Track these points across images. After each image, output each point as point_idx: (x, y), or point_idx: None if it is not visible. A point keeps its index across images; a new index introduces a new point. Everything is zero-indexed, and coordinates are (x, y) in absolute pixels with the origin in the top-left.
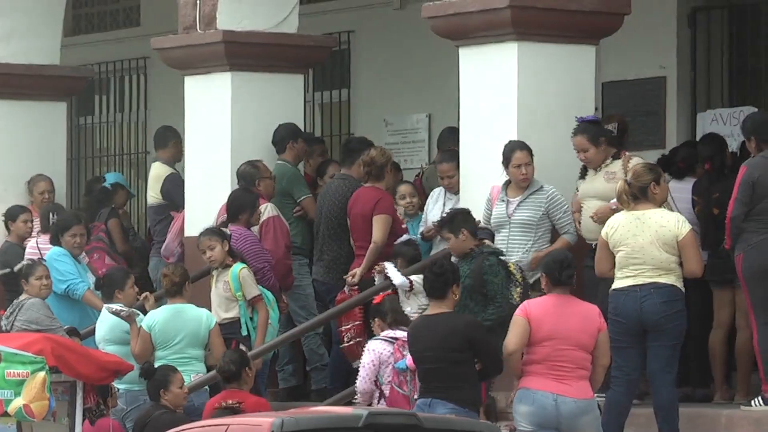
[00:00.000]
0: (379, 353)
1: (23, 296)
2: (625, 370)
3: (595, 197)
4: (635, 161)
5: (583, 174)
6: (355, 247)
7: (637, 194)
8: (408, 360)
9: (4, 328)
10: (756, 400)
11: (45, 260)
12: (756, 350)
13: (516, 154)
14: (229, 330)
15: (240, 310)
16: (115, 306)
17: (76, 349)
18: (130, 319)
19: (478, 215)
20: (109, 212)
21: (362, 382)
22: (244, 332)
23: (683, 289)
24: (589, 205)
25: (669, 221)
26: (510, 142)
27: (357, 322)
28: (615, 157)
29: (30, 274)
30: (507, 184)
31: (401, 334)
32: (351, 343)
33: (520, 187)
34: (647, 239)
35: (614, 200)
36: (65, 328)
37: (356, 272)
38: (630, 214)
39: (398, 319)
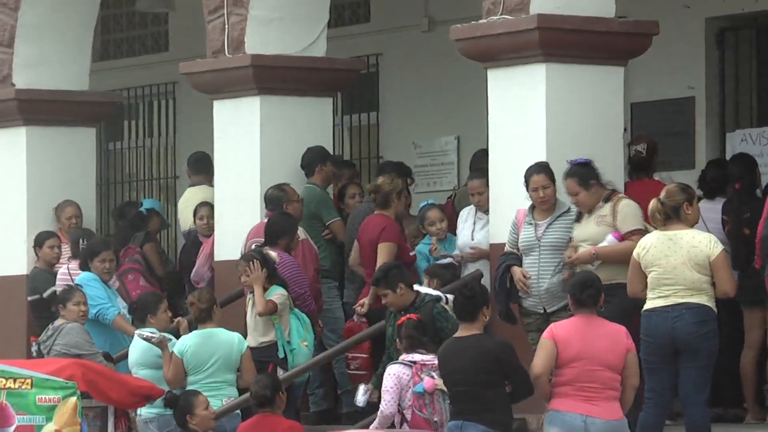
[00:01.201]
0: (399, 377)
1: (60, 321)
2: (657, 390)
3: (588, 241)
4: (625, 203)
5: (578, 217)
6: (365, 274)
7: (669, 214)
8: (425, 383)
9: (37, 353)
10: None
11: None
12: None
13: (533, 177)
14: (266, 353)
15: (276, 333)
16: (147, 332)
17: (107, 375)
18: (161, 344)
19: (506, 235)
20: (144, 236)
21: (387, 407)
22: (281, 355)
23: (715, 310)
24: (581, 251)
25: (701, 242)
26: (531, 165)
27: (364, 355)
28: (606, 200)
29: (67, 300)
30: (533, 207)
31: (419, 357)
32: (354, 371)
33: (544, 210)
34: (679, 259)
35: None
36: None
37: (364, 302)
38: (662, 235)
39: (413, 344)
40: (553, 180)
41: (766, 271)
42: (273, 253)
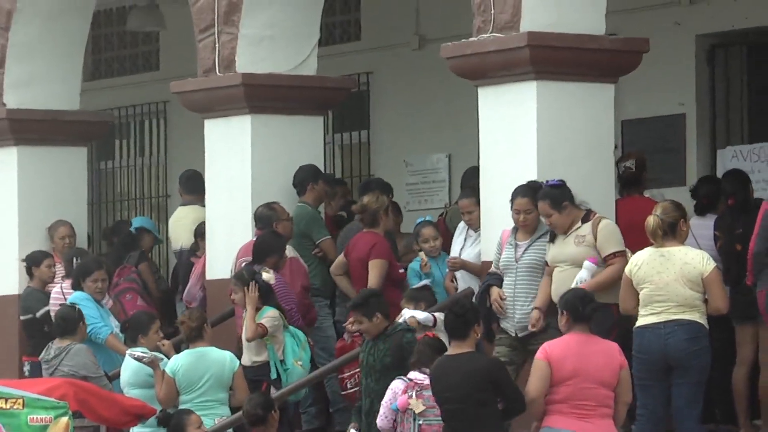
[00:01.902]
0: (394, 392)
1: (66, 342)
2: (650, 407)
3: (566, 262)
4: (605, 223)
5: (552, 238)
6: (355, 292)
7: (666, 230)
8: (398, 401)
9: (30, 373)
10: None
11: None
12: None
13: (517, 199)
14: (259, 372)
15: (269, 353)
16: (138, 351)
17: (99, 394)
18: (153, 364)
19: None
20: (139, 255)
21: (381, 420)
22: (274, 375)
23: (707, 326)
24: (560, 271)
25: (694, 258)
26: (519, 186)
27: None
28: (585, 220)
29: (82, 320)
30: (516, 228)
31: (415, 375)
32: (352, 390)
33: (525, 231)
34: (672, 276)
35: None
36: None
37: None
38: (654, 251)
39: (422, 360)
40: (536, 204)
41: (758, 287)
42: (267, 274)
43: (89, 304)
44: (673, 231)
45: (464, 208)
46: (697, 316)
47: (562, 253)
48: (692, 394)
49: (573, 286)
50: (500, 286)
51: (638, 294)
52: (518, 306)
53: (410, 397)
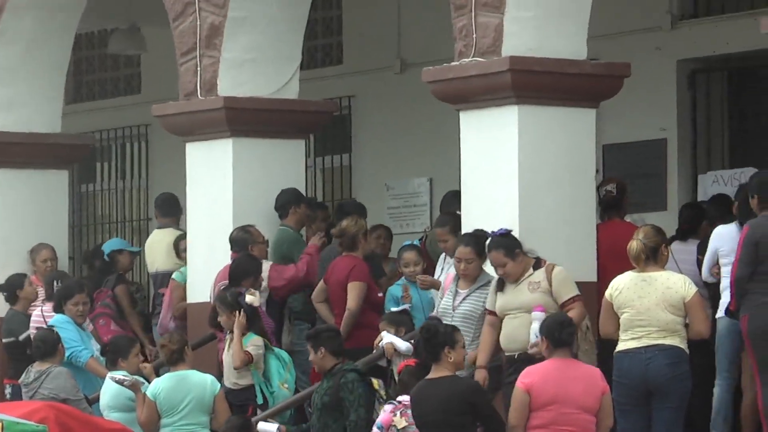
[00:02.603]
0: (384, 412)
1: (46, 365)
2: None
3: (521, 309)
4: (558, 270)
5: (501, 286)
6: (335, 315)
7: (648, 255)
8: (382, 419)
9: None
10: None
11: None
12: (760, 412)
13: (460, 248)
14: (243, 396)
15: (254, 378)
16: (119, 375)
17: (80, 417)
18: (134, 387)
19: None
20: (116, 278)
21: None
22: (260, 400)
23: (688, 351)
24: (513, 317)
25: (676, 283)
26: (462, 234)
27: None
28: (536, 267)
29: (60, 342)
30: (458, 275)
31: (404, 398)
32: None
33: (467, 280)
34: (653, 301)
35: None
36: None
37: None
38: (636, 276)
39: (406, 388)
40: (479, 253)
41: (741, 312)
42: (251, 296)
43: (70, 327)
44: (654, 255)
45: (439, 237)
46: (678, 341)
47: (514, 301)
48: (673, 419)
49: (531, 340)
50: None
51: (618, 318)
52: None
53: (395, 415)
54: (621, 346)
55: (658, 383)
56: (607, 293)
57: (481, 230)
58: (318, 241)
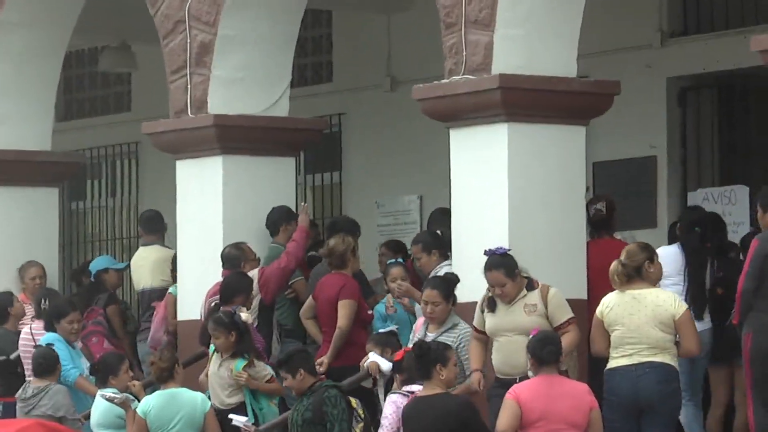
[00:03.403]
0: (397, 406)
1: (45, 382)
2: None
3: (515, 331)
4: (554, 292)
5: (492, 307)
6: (323, 333)
7: (631, 273)
8: (390, 411)
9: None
10: None
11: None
12: (752, 429)
13: (426, 291)
14: (236, 413)
15: (246, 397)
16: (109, 392)
17: None
18: (124, 405)
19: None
20: (107, 297)
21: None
22: (251, 419)
23: (678, 368)
24: (508, 340)
25: (666, 300)
26: (430, 278)
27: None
28: (528, 288)
29: (58, 360)
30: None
31: (416, 388)
32: None
33: (434, 323)
34: (643, 318)
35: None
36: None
37: (323, 360)
38: (626, 294)
39: (412, 377)
40: (446, 297)
41: (744, 329)
42: (245, 314)
43: (61, 346)
44: (638, 274)
45: (414, 254)
46: (669, 359)
47: (509, 322)
48: None
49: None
50: None
51: (609, 336)
52: None
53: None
54: (612, 364)
55: (648, 401)
56: (598, 311)
57: (453, 274)
58: (306, 222)
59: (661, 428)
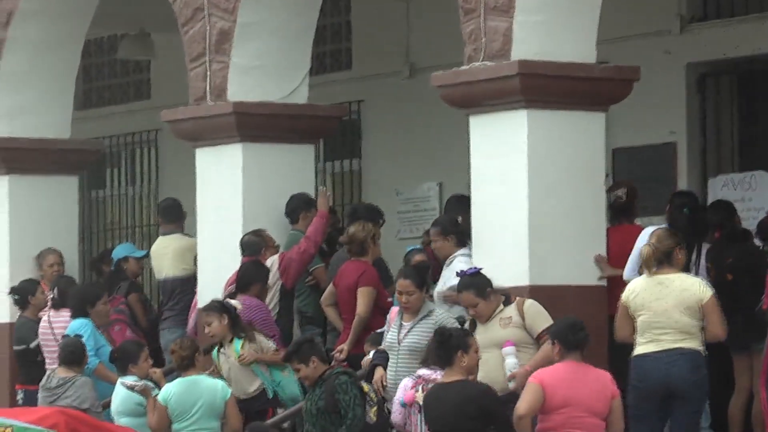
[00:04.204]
0: (405, 388)
1: (71, 373)
2: None
3: (494, 346)
4: (530, 303)
5: (473, 326)
6: (344, 320)
7: (662, 258)
8: (405, 396)
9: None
10: None
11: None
12: (765, 413)
13: (400, 281)
14: (257, 402)
15: (260, 376)
16: (130, 380)
17: (91, 423)
18: (145, 393)
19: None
20: (128, 286)
21: (393, 416)
22: (271, 394)
23: (706, 354)
24: (489, 356)
25: (692, 285)
26: (402, 268)
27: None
28: (506, 303)
29: (85, 351)
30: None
31: (424, 372)
32: None
33: (409, 313)
34: (670, 303)
35: (508, 359)
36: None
37: (343, 348)
38: (651, 279)
39: (431, 358)
40: (419, 286)
41: None
42: (233, 302)
43: (88, 331)
44: (668, 259)
45: (432, 237)
46: (697, 344)
47: (488, 339)
48: (691, 424)
49: (507, 374)
50: (386, 366)
51: (633, 322)
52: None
53: (416, 391)
54: (639, 350)
55: (679, 388)
56: (623, 297)
57: (424, 261)
58: (325, 206)
59: (690, 415)
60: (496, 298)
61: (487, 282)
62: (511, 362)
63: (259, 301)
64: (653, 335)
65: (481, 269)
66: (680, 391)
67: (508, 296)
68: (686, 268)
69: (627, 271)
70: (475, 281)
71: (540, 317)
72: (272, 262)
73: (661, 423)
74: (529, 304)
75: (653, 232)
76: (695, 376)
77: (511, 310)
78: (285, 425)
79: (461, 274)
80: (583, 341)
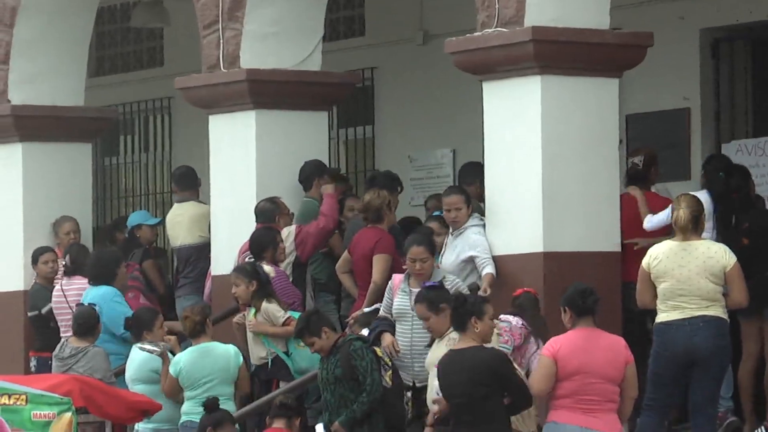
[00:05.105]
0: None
1: (84, 343)
2: (661, 401)
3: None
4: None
5: (431, 341)
6: (359, 288)
7: (690, 224)
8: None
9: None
10: (760, 429)
11: (96, 305)
12: None
13: (413, 248)
14: (266, 371)
15: (266, 344)
16: (148, 345)
17: (105, 390)
18: (164, 356)
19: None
20: (143, 252)
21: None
22: (285, 358)
23: (728, 321)
24: (433, 378)
25: (717, 252)
26: (412, 235)
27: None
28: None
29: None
30: (409, 274)
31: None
32: None
33: (420, 279)
34: (694, 270)
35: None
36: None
37: (357, 315)
38: (675, 245)
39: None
40: (432, 252)
41: None
42: (268, 267)
43: (119, 300)
44: (695, 224)
45: (455, 204)
46: (720, 311)
47: (435, 358)
48: (712, 390)
49: (431, 397)
50: (392, 332)
51: (655, 288)
52: (416, 355)
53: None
54: (662, 317)
55: (702, 356)
56: (644, 262)
57: (428, 227)
58: (331, 190)
59: (711, 381)
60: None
61: (443, 297)
62: (437, 385)
63: (277, 268)
64: (676, 303)
65: (438, 283)
66: (703, 358)
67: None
68: (732, 230)
69: (648, 223)
70: (430, 295)
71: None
72: (288, 232)
73: (679, 389)
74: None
75: (679, 197)
76: (719, 342)
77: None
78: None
79: (423, 286)
80: (592, 306)
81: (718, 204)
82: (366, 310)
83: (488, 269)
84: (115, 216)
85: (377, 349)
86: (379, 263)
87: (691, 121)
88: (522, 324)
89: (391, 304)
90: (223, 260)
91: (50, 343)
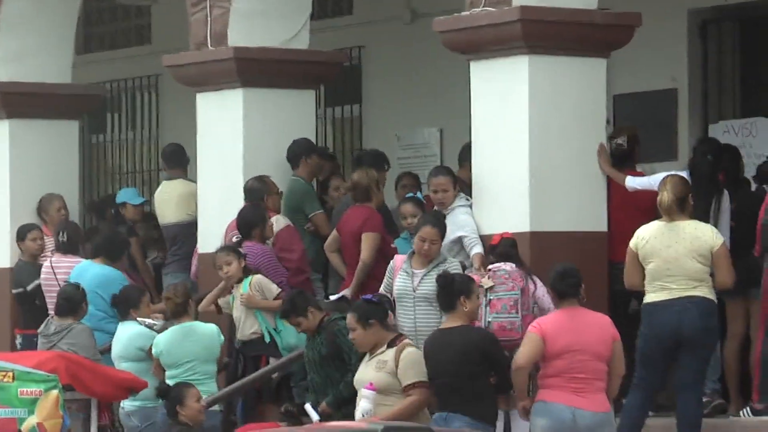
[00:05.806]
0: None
1: (68, 321)
2: (648, 380)
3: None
4: (408, 351)
5: (361, 356)
6: (347, 266)
7: (675, 206)
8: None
9: (22, 345)
10: (744, 410)
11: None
12: (757, 361)
13: (426, 228)
14: (255, 347)
15: (259, 320)
16: (148, 320)
17: (90, 367)
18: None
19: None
20: (127, 230)
21: None
22: (268, 338)
23: (716, 301)
24: (359, 397)
25: (705, 232)
26: (425, 215)
27: None
28: (390, 345)
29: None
30: (412, 254)
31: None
32: None
33: (425, 260)
34: (681, 250)
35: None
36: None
37: (346, 293)
38: (662, 225)
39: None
40: (442, 236)
41: (766, 262)
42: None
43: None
44: (682, 206)
45: (443, 185)
46: (707, 292)
47: (363, 374)
48: (699, 371)
49: (358, 417)
50: (393, 312)
51: (644, 269)
52: (420, 337)
53: (482, 276)
54: (649, 298)
55: (690, 335)
56: (632, 243)
57: (437, 211)
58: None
59: (698, 361)
60: (379, 333)
61: (376, 314)
62: (364, 407)
63: (264, 247)
64: (664, 283)
65: (375, 298)
66: (690, 338)
67: (395, 339)
68: (706, 214)
69: (631, 181)
70: (361, 307)
71: (411, 370)
72: (275, 221)
73: (665, 367)
74: (408, 352)
75: (665, 178)
76: (706, 323)
77: (389, 354)
78: (274, 375)
79: (365, 298)
80: (572, 288)
81: (698, 187)
82: (332, 297)
83: (477, 249)
84: (102, 193)
85: None
86: (367, 241)
87: (678, 101)
88: (517, 267)
89: (391, 284)
90: (211, 238)
91: (35, 321)
